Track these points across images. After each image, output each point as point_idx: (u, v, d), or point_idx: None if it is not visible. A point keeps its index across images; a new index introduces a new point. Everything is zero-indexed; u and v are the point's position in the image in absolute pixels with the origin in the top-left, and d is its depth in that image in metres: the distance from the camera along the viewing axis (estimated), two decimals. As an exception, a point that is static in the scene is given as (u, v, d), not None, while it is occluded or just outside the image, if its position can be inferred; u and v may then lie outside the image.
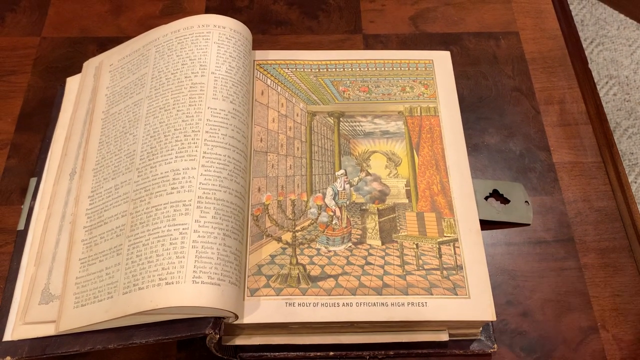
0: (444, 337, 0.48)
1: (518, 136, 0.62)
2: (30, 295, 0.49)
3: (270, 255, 0.48)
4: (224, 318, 0.43)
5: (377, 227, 0.50)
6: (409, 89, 0.56)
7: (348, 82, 0.57)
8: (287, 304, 0.45)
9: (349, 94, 0.56)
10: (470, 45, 0.68)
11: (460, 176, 0.52)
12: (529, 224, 0.56)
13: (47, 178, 0.55)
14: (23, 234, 0.53)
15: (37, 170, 0.57)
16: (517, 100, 0.64)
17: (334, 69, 0.57)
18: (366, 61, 0.58)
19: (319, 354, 0.48)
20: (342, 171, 0.52)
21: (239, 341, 0.47)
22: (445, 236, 0.49)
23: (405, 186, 0.52)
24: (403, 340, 0.48)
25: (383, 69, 0.58)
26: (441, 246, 0.48)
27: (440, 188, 0.51)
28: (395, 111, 0.55)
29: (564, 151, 0.61)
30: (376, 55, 0.59)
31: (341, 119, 0.55)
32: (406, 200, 0.51)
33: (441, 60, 0.58)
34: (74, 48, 0.66)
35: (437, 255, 0.48)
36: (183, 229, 0.43)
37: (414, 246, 0.49)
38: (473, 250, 0.48)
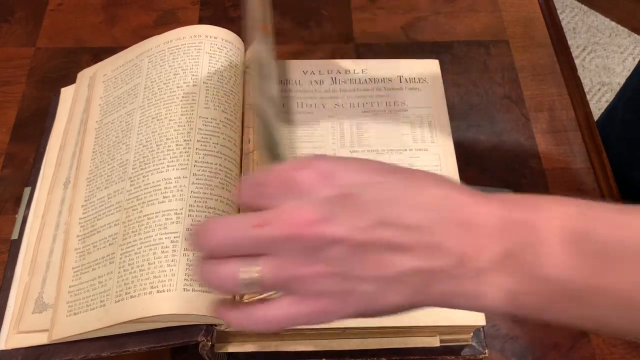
0: (435, 342, 0.48)
1: (508, 143, 0.63)
2: (23, 304, 0.49)
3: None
4: (216, 325, 0.44)
5: None
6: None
7: None
8: None
9: None
10: (461, 53, 0.69)
11: None
12: (519, 230, 0.57)
13: (41, 187, 0.56)
14: (17, 244, 0.54)
15: (31, 179, 0.57)
16: (507, 108, 0.65)
17: None
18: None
19: (311, 360, 0.49)
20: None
21: (232, 348, 0.47)
22: None
23: None
24: (395, 346, 0.48)
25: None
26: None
27: None
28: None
29: (554, 158, 0.62)
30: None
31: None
32: None
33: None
34: (69, 58, 0.67)
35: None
36: (174, 237, 0.44)
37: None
38: None
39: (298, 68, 0.59)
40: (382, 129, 0.55)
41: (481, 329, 0.50)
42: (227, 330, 0.44)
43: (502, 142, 0.63)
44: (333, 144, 0.54)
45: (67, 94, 0.61)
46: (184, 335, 0.43)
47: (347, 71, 0.58)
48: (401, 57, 0.62)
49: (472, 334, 0.49)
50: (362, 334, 0.47)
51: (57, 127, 0.59)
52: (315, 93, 0.57)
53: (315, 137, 0.54)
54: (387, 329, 0.46)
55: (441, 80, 0.58)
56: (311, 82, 0.58)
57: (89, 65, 0.65)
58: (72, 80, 0.62)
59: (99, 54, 0.67)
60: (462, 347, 0.50)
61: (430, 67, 0.59)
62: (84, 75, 0.61)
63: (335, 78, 0.58)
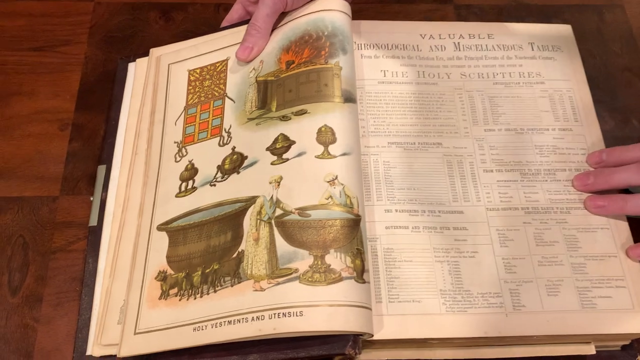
0: (590, 350, 0.42)
1: (634, 121, 0.56)
2: (105, 312, 0.42)
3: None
4: (361, 335, 0.37)
5: None
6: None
7: None
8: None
9: None
10: (572, 19, 0.61)
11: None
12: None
13: (121, 170, 0.48)
14: (96, 231, 0.46)
15: (104, 156, 0.50)
16: (629, 82, 0.58)
17: None
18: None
19: (451, 369, 0.43)
20: None
21: (364, 356, 0.41)
22: None
23: None
24: (546, 354, 0.42)
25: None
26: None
27: None
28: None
29: (687, 138, 0.55)
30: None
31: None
32: None
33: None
34: (134, 15, 0.58)
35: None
36: None
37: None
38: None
39: (414, 30, 0.51)
40: (518, 103, 0.48)
41: (633, 335, 0.45)
42: (369, 340, 0.38)
43: (627, 120, 0.56)
44: (464, 121, 0.47)
45: (140, 66, 0.52)
46: (328, 346, 0.36)
47: (471, 35, 0.51)
48: (507, 21, 0.55)
49: (630, 341, 0.44)
50: (513, 341, 0.41)
51: (134, 102, 0.51)
52: (438, 61, 0.50)
53: (443, 112, 0.47)
54: (541, 337, 0.40)
55: (577, 49, 0.51)
56: (431, 47, 0.50)
57: (157, 23, 0.57)
58: (139, 40, 0.54)
59: (168, 11, 0.58)
60: (611, 353, 0.44)
61: (562, 32, 0.52)
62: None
63: (458, 44, 0.51)
